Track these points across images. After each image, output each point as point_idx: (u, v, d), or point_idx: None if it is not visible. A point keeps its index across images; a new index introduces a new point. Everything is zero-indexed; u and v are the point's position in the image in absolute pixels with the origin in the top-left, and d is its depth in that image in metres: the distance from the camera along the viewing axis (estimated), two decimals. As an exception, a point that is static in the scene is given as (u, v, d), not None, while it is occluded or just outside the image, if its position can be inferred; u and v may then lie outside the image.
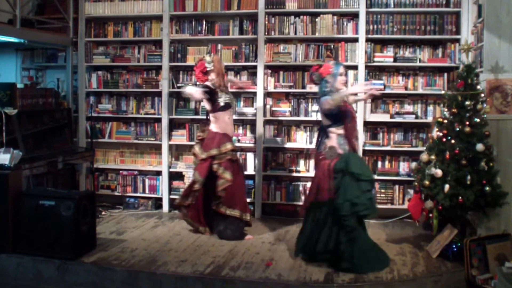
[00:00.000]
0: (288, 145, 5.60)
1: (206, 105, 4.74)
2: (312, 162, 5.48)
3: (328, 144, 4.02)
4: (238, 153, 5.70)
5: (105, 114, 6.00)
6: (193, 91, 4.51)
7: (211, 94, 4.64)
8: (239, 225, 4.72)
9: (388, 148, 5.48)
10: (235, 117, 5.70)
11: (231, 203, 4.63)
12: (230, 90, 5.08)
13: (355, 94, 4.28)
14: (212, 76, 4.73)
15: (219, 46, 5.73)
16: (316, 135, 4.88)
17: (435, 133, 4.31)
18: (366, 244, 3.94)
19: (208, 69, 4.72)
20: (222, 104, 4.69)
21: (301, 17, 5.54)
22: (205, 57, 4.79)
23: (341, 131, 4.00)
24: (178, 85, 5.70)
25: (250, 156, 5.66)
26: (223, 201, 4.61)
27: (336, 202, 3.83)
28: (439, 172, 4.05)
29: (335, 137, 4.01)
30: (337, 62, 4.21)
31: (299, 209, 5.28)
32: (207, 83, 4.72)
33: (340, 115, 3.99)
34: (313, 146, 5.23)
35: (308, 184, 5.00)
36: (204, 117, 5.21)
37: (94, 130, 5.93)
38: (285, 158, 5.66)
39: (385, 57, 5.41)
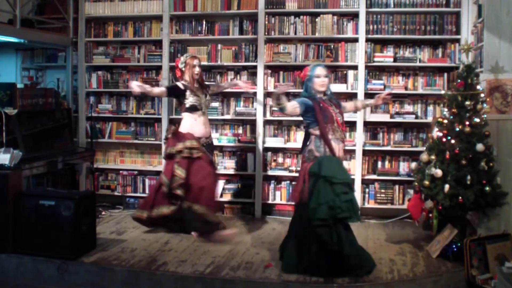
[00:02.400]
0: (288, 145, 5.60)
1: (176, 103, 4.89)
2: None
3: (309, 147, 3.91)
4: (238, 153, 5.72)
5: (105, 114, 6.00)
6: (132, 85, 4.54)
7: (177, 94, 4.75)
8: (205, 222, 4.61)
9: (388, 148, 5.48)
10: (235, 117, 5.71)
11: (196, 198, 4.55)
12: (231, 90, 5.10)
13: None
14: (185, 76, 4.78)
15: (219, 46, 5.73)
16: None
17: (435, 133, 4.31)
18: (353, 249, 3.81)
19: (179, 68, 4.79)
20: (187, 105, 4.73)
21: (301, 17, 5.54)
22: (182, 56, 4.87)
23: (317, 132, 3.87)
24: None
25: (250, 156, 5.66)
26: (184, 197, 4.56)
27: (309, 208, 3.71)
28: (439, 172, 4.05)
29: (313, 139, 3.89)
30: (316, 64, 4.09)
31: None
32: (179, 82, 4.79)
33: (314, 116, 3.86)
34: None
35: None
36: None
37: (94, 130, 5.93)
38: (285, 158, 5.66)
39: (385, 57, 5.41)
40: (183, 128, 4.75)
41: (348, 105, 4.34)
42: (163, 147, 5.71)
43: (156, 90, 4.75)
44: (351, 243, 3.78)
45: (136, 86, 4.51)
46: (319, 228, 3.67)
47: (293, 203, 5.38)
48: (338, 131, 3.90)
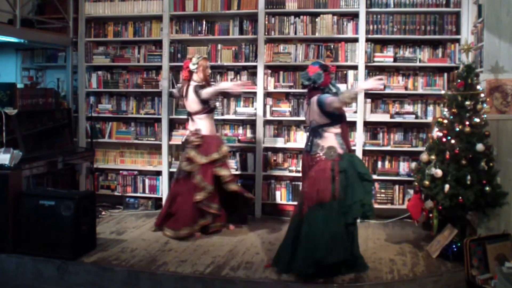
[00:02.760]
0: (288, 145, 5.60)
1: (196, 105, 4.75)
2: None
3: (325, 144, 3.83)
4: (238, 153, 5.72)
5: (105, 114, 6.00)
6: (228, 85, 4.76)
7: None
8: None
9: (388, 148, 5.48)
10: (235, 117, 5.71)
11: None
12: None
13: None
14: (195, 77, 4.79)
15: (219, 46, 5.73)
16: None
17: (435, 133, 4.31)
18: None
19: (191, 69, 4.80)
20: (212, 106, 4.82)
21: (301, 17, 5.54)
22: (193, 57, 4.86)
23: (338, 130, 3.86)
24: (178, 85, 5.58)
25: (250, 156, 5.66)
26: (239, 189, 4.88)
27: (345, 204, 3.67)
28: (439, 172, 4.05)
29: (333, 137, 3.83)
30: (316, 61, 4.09)
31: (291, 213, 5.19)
32: (193, 83, 4.80)
33: (339, 114, 3.86)
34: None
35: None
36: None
37: (94, 130, 5.93)
38: (285, 158, 5.66)
39: (385, 57, 5.41)
40: (207, 131, 4.78)
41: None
42: (164, 148, 5.74)
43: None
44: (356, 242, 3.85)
45: (235, 86, 4.78)
46: (351, 226, 3.72)
47: (295, 203, 5.40)
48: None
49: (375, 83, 3.81)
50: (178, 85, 5.30)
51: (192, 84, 4.79)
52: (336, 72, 5.50)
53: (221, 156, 4.75)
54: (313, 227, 3.70)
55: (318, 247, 3.62)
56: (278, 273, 3.81)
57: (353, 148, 5.35)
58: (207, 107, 4.77)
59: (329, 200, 3.70)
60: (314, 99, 3.87)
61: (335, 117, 3.85)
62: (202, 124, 4.77)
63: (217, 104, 4.86)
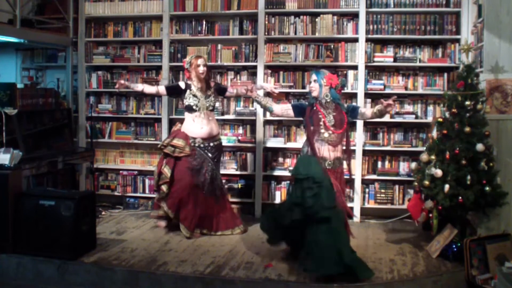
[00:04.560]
0: (288, 145, 5.60)
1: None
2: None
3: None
4: (238, 153, 5.72)
5: (105, 114, 6.00)
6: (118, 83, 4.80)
7: (178, 93, 4.86)
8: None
9: (388, 148, 5.48)
10: (234, 117, 5.71)
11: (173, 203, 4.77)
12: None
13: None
14: (192, 76, 4.83)
15: (219, 46, 5.73)
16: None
17: (435, 133, 4.31)
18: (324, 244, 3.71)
19: (186, 68, 4.86)
20: (185, 104, 4.82)
21: (301, 17, 5.54)
22: (188, 56, 4.93)
23: (306, 134, 4.08)
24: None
25: (250, 156, 5.66)
26: (166, 195, 4.78)
27: (281, 208, 3.94)
28: (439, 172, 4.05)
29: (304, 141, 4.13)
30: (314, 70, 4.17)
31: None
32: (182, 82, 4.91)
33: (305, 119, 4.07)
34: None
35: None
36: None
37: (94, 130, 5.93)
38: (285, 158, 5.66)
39: (385, 57, 5.41)
40: (182, 127, 4.88)
41: (367, 112, 4.17)
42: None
43: (151, 88, 4.89)
44: (320, 241, 3.66)
45: (120, 83, 4.78)
46: (292, 230, 3.85)
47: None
48: (325, 133, 3.97)
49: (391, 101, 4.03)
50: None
51: (182, 82, 4.93)
52: (336, 72, 5.49)
53: (167, 144, 4.76)
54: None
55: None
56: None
57: (353, 148, 5.39)
58: (182, 104, 4.90)
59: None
60: None
61: (303, 122, 4.13)
62: (185, 120, 4.90)
63: (190, 103, 4.75)
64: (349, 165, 4.27)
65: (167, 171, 4.74)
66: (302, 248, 3.79)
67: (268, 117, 5.60)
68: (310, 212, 3.67)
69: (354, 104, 4.44)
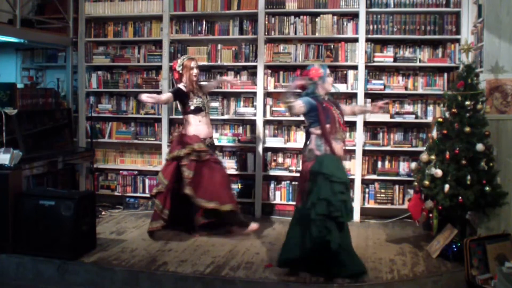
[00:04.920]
0: (288, 145, 5.60)
1: (179, 106, 4.84)
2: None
3: (309, 146, 3.91)
4: (238, 153, 5.72)
5: (105, 114, 6.00)
6: (143, 98, 4.52)
7: (182, 97, 4.71)
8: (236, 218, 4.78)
9: (388, 148, 5.48)
10: (234, 117, 5.71)
11: (207, 196, 4.60)
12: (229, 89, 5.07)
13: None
14: (183, 78, 4.76)
15: (219, 46, 5.73)
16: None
17: (435, 133, 4.31)
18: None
19: (177, 70, 4.77)
20: (192, 107, 4.72)
21: (301, 17, 5.54)
22: (179, 59, 4.82)
23: (318, 131, 3.87)
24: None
25: (250, 156, 5.66)
26: (194, 197, 4.59)
27: (309, 202, 3.70)
28: (439, 172, 4.05)
29: (313, 138, 3.88)
30: (321, 64, 4.14)
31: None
32: (180, 85, 4.76)
33: (317, 115, 3.86)
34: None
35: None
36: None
37: (94, 130, 5.93)
38: (285, 158, 5.66)
39: (385, 57, 5.41)
40: (189, 130, 4.73)
41: (347, 108, 4.32)
42: (164, 148, 5.74)
43: (164, 97, 4.71)
44: (342, 244, 3.70)
45: (146, 97, 4.51)
46: (315, 224, 3.63)
47: (295, 203, 5.40)
48: (339, 131, 3.91)
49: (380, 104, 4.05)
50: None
51: (181, 85, 4.76)
52: (336, 72, 5.51)
53: (184, 155, 4.61)
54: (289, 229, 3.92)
55: (284, 248, 3.86)
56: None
57: (353, 148, 5.40)
58: (185, 109, 4.75)
59: (299, 203, 3.88)
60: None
61: (313, 118, 3.89)
62: (186, 124, 4.77)
63: (199, 104, 4.73)
64: None
65: (188, 174, 4.59)
66: (323, 256, 3.70)
67: (268, 117, 5.60)
68: (335, 215, 3.63)
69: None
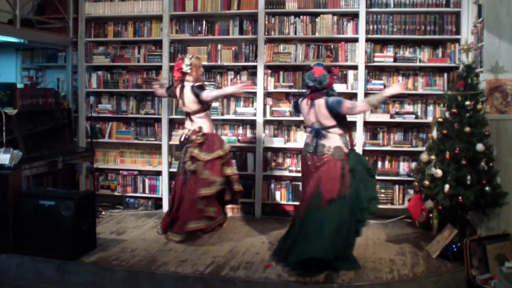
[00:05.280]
0: (288, 145, 5.60)
1: (195, 105, 4.67)
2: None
3: (331, 144, 3.93)
4: (238, 153, 5.73)
5: (105, 114, 6.00)
6: (232, 89, 4.66)
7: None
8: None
9: (388, 148, 5.48)
10: (235, 117, 5.71)
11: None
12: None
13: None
14: (188, 77, 4.70)
15: (219, 46, 5.73)
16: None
17: (435, 133, 4.31)
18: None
19: (184, 70, 4.69)
20: (210, 104, 4.79)
21: (301, 17, 5.54)
22: (186, 58, 4.74)
23: (342, 131, 4.00)
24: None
25: (250, 156, 5.66)
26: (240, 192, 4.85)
27: (357, 201, 3.85)
28: (439, 172, 4.05)
29: (337, 137, 3.95)
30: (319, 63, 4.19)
31: (292, 213, 5.23)
32: (198, 83, 4.70)
33: (345, 116, 4.02)
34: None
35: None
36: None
37: (94, 130, 5.93)
38: (285, 158, 5.66)
39: (385, 57, 5.41)
40: (207, 129, 4.74)
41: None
42: (164, 148, 5.73)
43: (223, 90, 4.89)
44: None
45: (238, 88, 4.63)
46: (361, 223, 3.95)
47: (295, 203, 5.41)
48: None
49: (401, 88, 3.93)
50: (163, 82, 5.24)
51: (188, 84, 4.68)
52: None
53: (225, 153, 4.70)
54: (311, 226, 3.85)
55: (312, 245, 3.75)
56: (276, 263, 4.00)
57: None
58: (206, 106, 4.74)
59: (337, 198, 3.84)
60: (321, 101, 3.96)
61: (341, 119, 3.99)
62: (202, 123, 4.71)
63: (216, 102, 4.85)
64: None
65: (231, 170, 4.78)
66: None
67: (268, 117, 5.60)
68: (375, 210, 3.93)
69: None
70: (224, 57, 5.71)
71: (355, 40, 5.44)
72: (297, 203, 5.48)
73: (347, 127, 4.09)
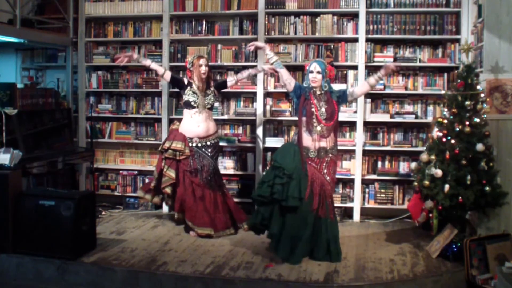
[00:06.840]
0: (288, 145, 5.60)
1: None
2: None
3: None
4: (238, 153, 5.72)
5: (105, 114, 6.00)
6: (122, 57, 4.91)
7: (179, 85, 4.92)
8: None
9: (388, 148, 5.48)
10: (234, 117, 5.71)
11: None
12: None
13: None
14: (194, 76, 4.85)
15: (219, 46, 5.73)
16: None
17: (435, 133, 4.31)
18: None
19: (188, 68, 4.88)
20: (184, 100, 4.85)
21: (301, 17, 5.54)
22: (190, 56, 4.97)
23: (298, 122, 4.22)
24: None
25: (250, 156, 5.65)
26: (171, 196, 4.90)
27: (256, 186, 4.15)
28: (439, 172, 4.05)
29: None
30: (315, 60, 4.33)
31: None
32: (185, 78, 4.94)
33: (297, 106, 4.19)
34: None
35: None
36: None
37: (94, 130, 5.93)
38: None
39: (385, 57, 5.40)
40: (181, 126, 4.89)
41: (357, 89, 4.39)
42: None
43: (159, 67, 4.95)
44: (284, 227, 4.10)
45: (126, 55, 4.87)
46: (259, 204, 4.17)
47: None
48: (317, 126, 4.11)
49: (391, 67, 4.26)
50: (128, 54, 5.13)
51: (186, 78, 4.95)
52: (336, 72, 5.48)
53: (169, 153, 4.78)
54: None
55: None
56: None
57: (353, 148, 5.40)
58: (182, 99, 4.92)
59: None
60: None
61: (296, 107, 4.30)
62: (183, 118, 4.94)
63: (190, 99, 4.79)
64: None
65: (170, 173, 4.77)
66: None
67: (268, 117, 5.60)
68: (277, 197, 4.01)
69: (340, 88, 4.43)
70: (224, 57, 5.71)
71: (355, 40, 5.44)
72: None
73: (300, 121, 4.21)
